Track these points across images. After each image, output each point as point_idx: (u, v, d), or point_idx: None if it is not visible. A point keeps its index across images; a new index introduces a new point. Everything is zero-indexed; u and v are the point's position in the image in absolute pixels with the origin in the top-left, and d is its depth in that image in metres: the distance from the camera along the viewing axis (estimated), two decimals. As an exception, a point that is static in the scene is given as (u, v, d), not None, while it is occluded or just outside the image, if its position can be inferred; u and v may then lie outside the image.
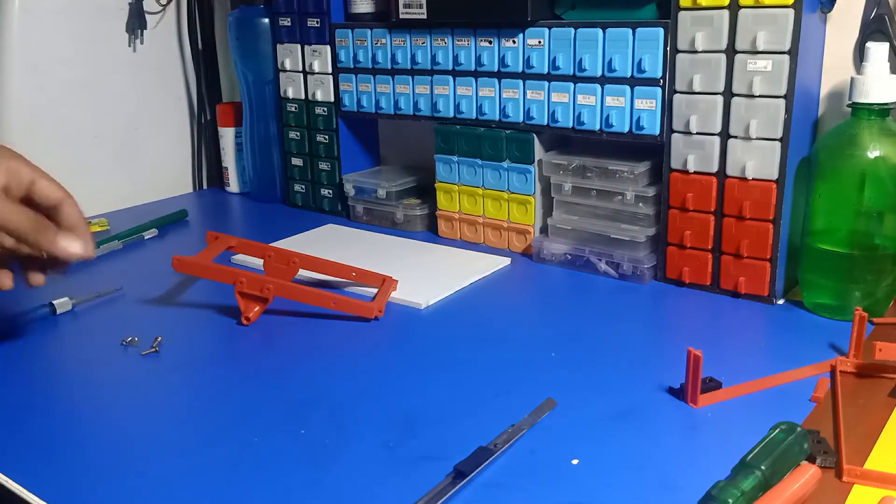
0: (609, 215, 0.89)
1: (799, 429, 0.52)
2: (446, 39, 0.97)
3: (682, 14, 0.78)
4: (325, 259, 0.86)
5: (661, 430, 0.58)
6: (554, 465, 0.54)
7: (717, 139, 0.79)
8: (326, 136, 1.13)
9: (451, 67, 0.97)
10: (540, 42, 0.89)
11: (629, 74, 0.83)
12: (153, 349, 0.73)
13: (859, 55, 0.79)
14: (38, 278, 0.69)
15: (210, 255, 0.81)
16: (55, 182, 0.66)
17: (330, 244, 1.02)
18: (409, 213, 1.07)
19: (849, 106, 0.73)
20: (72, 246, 0.65)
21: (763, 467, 0.48)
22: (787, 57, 0.73)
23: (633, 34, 0.82)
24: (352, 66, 1.07)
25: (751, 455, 0.50)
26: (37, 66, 1.11)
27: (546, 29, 0.88)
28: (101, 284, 0.88)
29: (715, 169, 0.80)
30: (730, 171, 0.79)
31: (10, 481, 0.53)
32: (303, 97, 1.14)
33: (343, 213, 1.15)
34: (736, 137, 0.78)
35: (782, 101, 0.75)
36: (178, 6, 1.28)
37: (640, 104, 0.83)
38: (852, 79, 0.72)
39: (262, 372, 0.69)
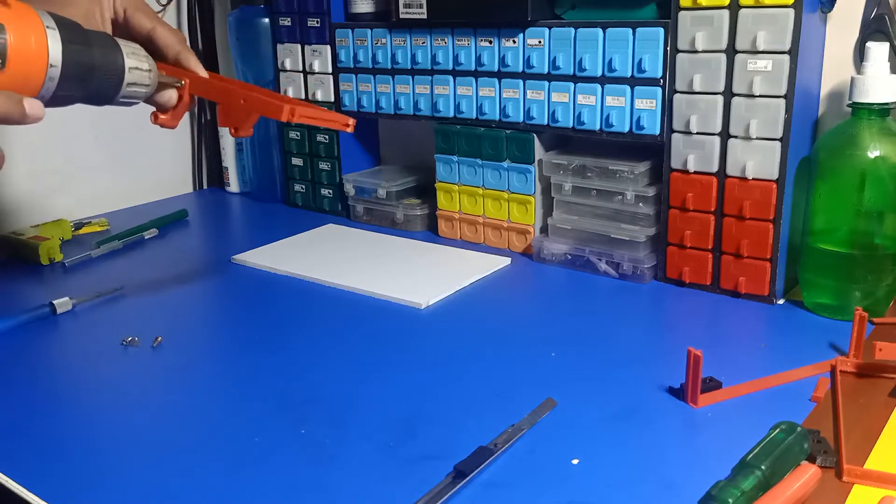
0: (609, 215, 0.89)
1: (799, 428, 0.52)
2: (446, 39, 0.97)
3: (682, 14, 0.78)
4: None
5: (661, 430, 0.58)
6: (554, 464, 0.54)
7: (717, 139, 0.79)
8: (326, 136, 1.13)
9: (451, 67, 0.97)
10: (540, 42, 0.89)
11: (629, 74, 0.83)
12: (158, 340, 0.74)
13: (859, 55, 0.79)
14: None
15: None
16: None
17: (330, 244, 1.02)
18: (409, 213, 1.07)
19: (849, 106, 0.73)
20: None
21: (763, 467, 0.48)
22: (787, 57, 0.73)
23: (634, 34, 0.82)
24: (352, 66, 1.07)
25: (751, 455, 0.50)
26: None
27: (546, 29, 0.88)
28: (101, 284, 0.88)
29: (715, 169, 0.80)
30: (730, 170, 0.79)
31: (11, 481, 0.53)
32: (303, 97, 1.14)
33: (343, 213, 1.15)
34: (736, 137, 0.78)
35: (782, 101, 0.75)
36: (178, 6, 1.28)
37: (640, 104, 0.83)
38: (852, 79, 0.72)
39: (263, 371, 0.69)
